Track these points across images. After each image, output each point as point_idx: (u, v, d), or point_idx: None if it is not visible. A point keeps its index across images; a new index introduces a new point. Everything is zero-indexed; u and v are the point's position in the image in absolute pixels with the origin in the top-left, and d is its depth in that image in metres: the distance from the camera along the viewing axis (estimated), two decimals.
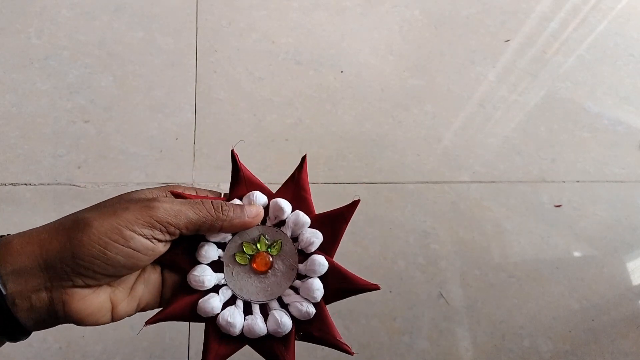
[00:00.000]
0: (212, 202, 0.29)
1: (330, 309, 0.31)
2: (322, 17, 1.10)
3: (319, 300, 0.30)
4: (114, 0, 1.05)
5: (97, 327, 0.73)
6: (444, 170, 0.93)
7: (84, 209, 0.28)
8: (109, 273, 0.27)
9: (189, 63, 0.99)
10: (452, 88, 1.04)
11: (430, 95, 1.02)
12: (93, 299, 0.27)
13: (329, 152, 0.92)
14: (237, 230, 0.30)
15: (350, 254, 0.82)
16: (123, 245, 0.26)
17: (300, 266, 0.31)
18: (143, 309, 0.31)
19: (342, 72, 1.02)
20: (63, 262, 0.26)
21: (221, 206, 0.29)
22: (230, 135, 0.92)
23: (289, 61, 1.02)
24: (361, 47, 1.07)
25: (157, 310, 0.31)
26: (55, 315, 0.27)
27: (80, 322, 0.27)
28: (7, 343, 0.28)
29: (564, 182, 0.95)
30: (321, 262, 0.31)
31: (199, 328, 0.72)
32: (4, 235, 0.28)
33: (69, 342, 0.72)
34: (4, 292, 0.25)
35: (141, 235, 0.26)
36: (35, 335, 0.74)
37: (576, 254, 0.88)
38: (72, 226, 0.26)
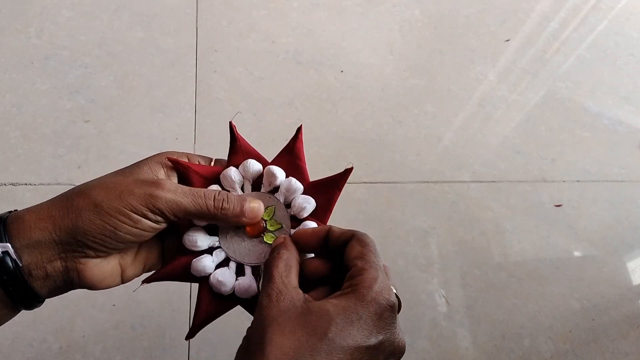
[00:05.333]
0: (215, 196, 0.30)
1: None
2: (322, 16, 1.10)
3: None
4: (114, 0, 1.05)
5: (97, 326, 0.73)
6: (444, 170, 0.93)
7: (88, 183, 0.30)
8: (119, 247, 0.29)
9: (189, 63, 0.99)
10: (452, 88, 1.04)
11: (430, 95, 1.02)
12: (105, 266, 0.30)
13: (329, 152, 0.92)
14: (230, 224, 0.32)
15: None
16: (131, 227, 0.28)
17: (293, 231, 0.32)
18: (148, 270, 0.33)
19: (342, 72, 1.02)
20: (76, 238, 0.28)
21: (222, 203, 0.30)
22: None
23: (289, 61, 1.02)
24: (361, 47, 1.07)
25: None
26: (70, 282, 0.29)
27: (93, 287, 0.30)
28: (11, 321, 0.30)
29: (564, 181, 0.95)
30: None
31: None
32: (12, 211, 0.29)
33: (69, 342, 0.72)
34: (20, 264, 0.27)
35: (146, 218, 0.29)
36: (35, 335, 0.74)
37: (576, 253, 0.88)
38: (83, 205, 0.28)
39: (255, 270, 0.32)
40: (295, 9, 1.10)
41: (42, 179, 0.84)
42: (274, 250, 0.30)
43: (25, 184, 0.83)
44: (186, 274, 0.32)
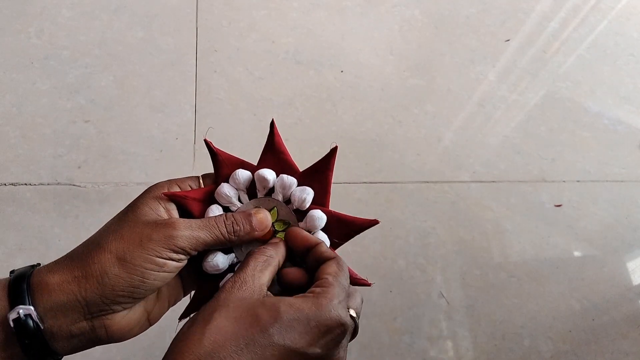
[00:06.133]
0: (224, 222, 0.31)
1: None
2: (322, 16, 1.10)
3: None
4: (114, 0, 1.05)
5: None
6: (444, 170, 0.93)
7: (100, 235, 0.29)
8: (146, 295, 0.29)
9: (189, 63, 0.99)
10: (452, 88, 1.04)
11: (430, 95, 1.02)
12: (132, 316, 0.30)
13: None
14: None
15: (350, 254, 0.82)
16: (158, 272, 0.28)
17: (301, 224, 0.33)
18: (173, 304, 0.34)
19: (342, 72, 1.02)
20: (104, 297, 0.27)
21: (233, 226, 0.31)
22: (231, 135, 0.92)
23: (289, 61, 1.02)
24: (361, 47, 1.07)
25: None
26: (98, 339, 0.29)
27: (122, 339, 0.30)
28: None
29: (564, 181, 0.95)
30: (319, 216, 0.32)
31: None
32: (35, 265, 0.29)
33: None
34: (42, 327, 0.27)
35: (170, 259, 0.29)
36: None
37: (576, 253, 0.88)
38: (106, 261, 0.28)
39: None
40: (295, 9, 1.10)
41: (42, 179, 0.84)
42: (264, 246, 0.31)
43: (25, 184, 0.83)
44: None
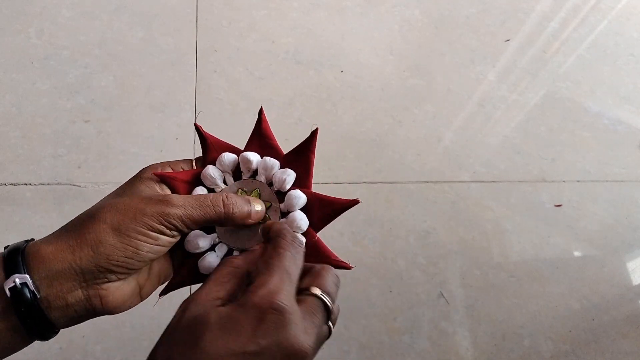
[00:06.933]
0: (224, 202, 0.31)
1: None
2: (322, 16, 1.10)
3: (305, 229, 0.32)
4: (114, 0, 1.05)
5: (97, 326, 0.73)
6: (444, 170, 0.93)
7: (95, 208, 0.30)
8: (140, 266, 0.29)
9: (189, 63, 0.99)
10: (452, 88, 1.04)
11: (430, 95, 1.02)
12: (126, 287, 0.30)
13: (329, 152, 0.92)
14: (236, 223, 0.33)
15: (350, 254, 0.82)
16: (152, 244, 0.29)
17: (282, 205, 0.33)
18: (164, 281, 0.34)
19: (342, 72, 1.02)
20: (98, 265, 0.28)
21: (231, 208, 0.31)
22: (231, 135, 0.92)
23: (289, 61, 1.02)
24: (361, 47, 1.07)
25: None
26: (93, 309, 0.29)
27: (115, 311, 0.30)
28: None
29: (564, 181, 0.95)
30: (296, 195, 0.33)
31: None
32: (29, 240, 0.29)
33: (69, 342, 0.72)
34: (38, 295, 0.27)
35: (164, 234, 0.29)
36: None
37: (576, 253, 0.88)
38: (101, 231, 0.28)
39: None
40: (295, 9, 1.10)
41: (42, 179, 0.84)
42: (236, 256, 0.31)
43: (25, 184, 0.83)
44: (197, 276, 0.33)
